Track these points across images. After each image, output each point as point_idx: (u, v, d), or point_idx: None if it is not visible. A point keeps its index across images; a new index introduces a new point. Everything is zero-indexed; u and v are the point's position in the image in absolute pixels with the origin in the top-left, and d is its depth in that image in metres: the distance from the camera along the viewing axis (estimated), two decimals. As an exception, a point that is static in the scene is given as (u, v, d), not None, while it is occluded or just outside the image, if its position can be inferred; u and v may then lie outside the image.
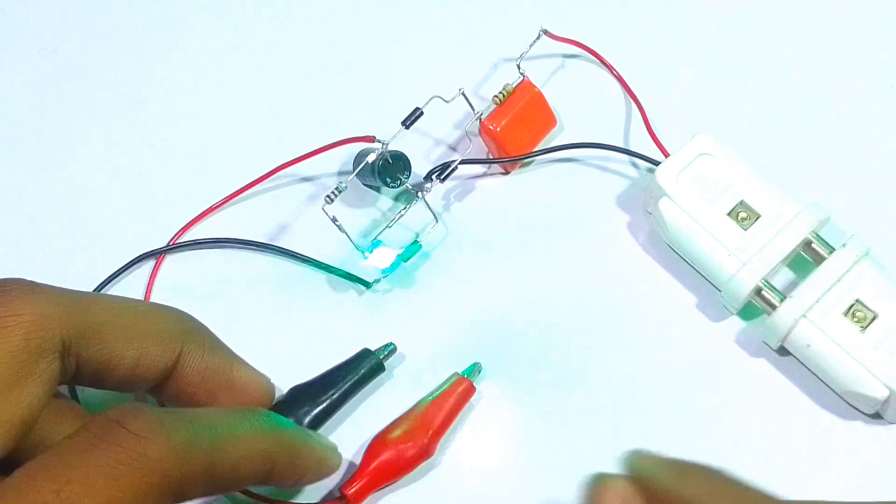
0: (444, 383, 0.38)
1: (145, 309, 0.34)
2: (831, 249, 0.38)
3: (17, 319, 0.28)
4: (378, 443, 0.37)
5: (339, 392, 0.37)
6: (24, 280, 0.30)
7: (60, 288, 0.31)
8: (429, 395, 0.38)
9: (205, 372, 0.34)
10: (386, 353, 0.39)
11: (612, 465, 0.28)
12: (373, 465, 0.36)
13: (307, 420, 0.37)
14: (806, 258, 0.39)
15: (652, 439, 0.38)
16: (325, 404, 0.37)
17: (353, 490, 0.36)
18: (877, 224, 0.40)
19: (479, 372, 0.39)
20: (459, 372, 0.38)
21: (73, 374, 0.31)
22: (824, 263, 0.38)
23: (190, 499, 0.28)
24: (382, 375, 0.38)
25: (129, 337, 0.32)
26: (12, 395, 0.28)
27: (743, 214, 0.39)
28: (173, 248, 0.42)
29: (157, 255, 0.42)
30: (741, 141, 0.41)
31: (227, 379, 0.34)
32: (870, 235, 0.38)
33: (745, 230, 0.39)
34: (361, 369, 0.38)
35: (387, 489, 0.37)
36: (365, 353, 0.38)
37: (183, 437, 0.27)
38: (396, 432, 0.37)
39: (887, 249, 0.39)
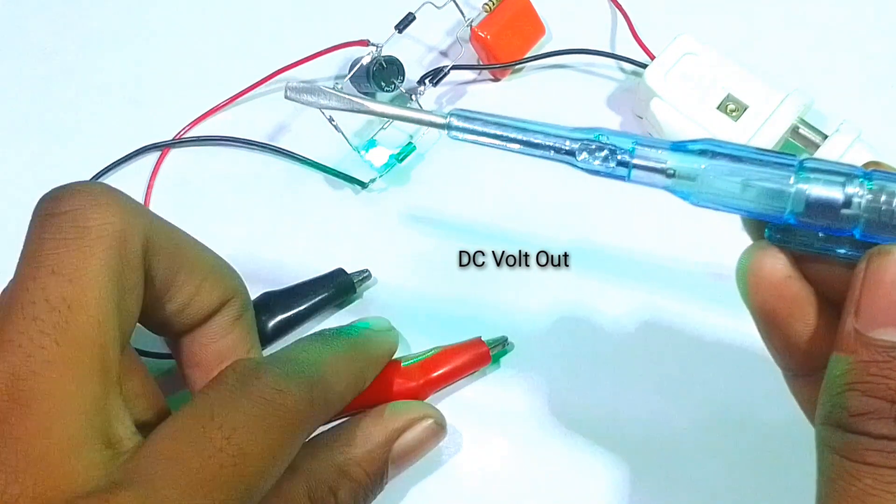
0: (466, 341, 0.38)
1: (203, 246, 0.31)
2: (820, 134, 0.39)
3: (109, 229, 0.26)
4: (393, 365, 0.37)
5: (307, 305, 0.38)
6: (98, 183, 0.28)
7: (131, 198, 0.28)
8: (450, 345, 0.37)
9: (230, 336, 0.32)
10: (360, 277, 0.39)
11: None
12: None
13: (272, 324, 0.37)
14: (796, 146, 0.40)
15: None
16: (291, 312, 0.37)
17: None
18: (855, 105, 0.42)
19: (505, 346, 0.38)
20: (484, 337, 0.38)
21: None
22: (821, 148, 0.39)
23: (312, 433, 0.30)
24: (354, 297, 0.39)
25: (193, 267, 0.29)
26: (119, 308, 0.26)
27: (732, 107, 0.40)
28: (178, 142, 0.42)
29: (161, 147, 0.42)
30: (719, 37, 0.42)
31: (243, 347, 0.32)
32: (850, 117, 0.39)
33: (736, 121, 0.40)
34: (332, 287, 0.38)
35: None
36: (337, 273, 0.39)
37: (306, 384, 0.29)
38: (407, 363, 0.37)
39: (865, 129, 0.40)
